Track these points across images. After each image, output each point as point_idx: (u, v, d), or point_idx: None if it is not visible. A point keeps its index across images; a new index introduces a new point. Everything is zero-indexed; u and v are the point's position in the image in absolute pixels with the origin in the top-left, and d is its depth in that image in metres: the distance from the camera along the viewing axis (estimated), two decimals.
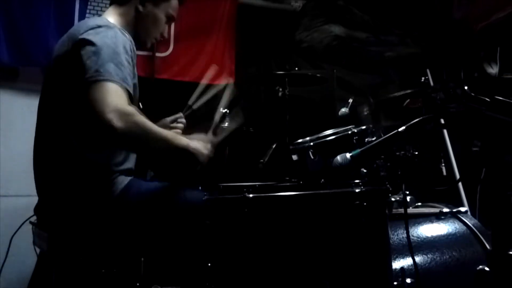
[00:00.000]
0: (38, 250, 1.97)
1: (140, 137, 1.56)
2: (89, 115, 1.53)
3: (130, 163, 1.79)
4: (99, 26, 1.65)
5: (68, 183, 1.66)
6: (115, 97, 1.51)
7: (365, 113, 2.02)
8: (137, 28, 1.84)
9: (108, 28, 1.66)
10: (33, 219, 1.84)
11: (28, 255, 2.21)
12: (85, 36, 1.61)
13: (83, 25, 1.68)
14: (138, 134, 1.55)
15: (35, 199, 1.77)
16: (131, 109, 1.54)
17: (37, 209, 1.76)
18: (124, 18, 1.82)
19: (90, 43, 1.59)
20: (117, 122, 1.47)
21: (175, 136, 1.72)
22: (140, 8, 1.83)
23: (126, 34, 1.70)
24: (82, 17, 3.04)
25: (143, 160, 2.07)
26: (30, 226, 1.87)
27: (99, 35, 1.61)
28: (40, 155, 1.75)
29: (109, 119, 1.47)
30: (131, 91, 1.61)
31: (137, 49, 1.81)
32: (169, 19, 1.92)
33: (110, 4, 1.88)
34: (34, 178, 1.76)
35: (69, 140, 1.66)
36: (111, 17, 1.81)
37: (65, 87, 1.66)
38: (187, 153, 1.70)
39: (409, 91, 1.63)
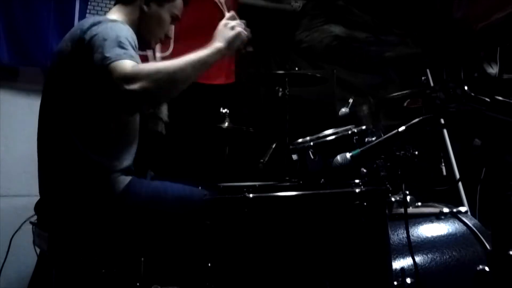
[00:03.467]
0: (38, 250, 1.97)
1: (164, 82, 1.53)
2: (111, 97, 1.56)
3: (129, 161, 1.79)
4: (100, 22, 1.66)
5: (69, 182, 1.66)
6: (121, 69, 1.50)
7: (365, 112, 2.02)
8: (142, 28, 1.83)
9: (109, 21, 1.67)
10: (33, 219, 1.84)
11: (28, 255, 2.21)
12: (88, 33, 1.62)
13: (85, 23, 1.69)
14: (158, 82, 1.52)
15: (35, 199, 1.77)
16: (135, 67, 1.51)
17: (38, 207, 1.76)
18: (128, 18, 1.82)
19: (93, 38, 1.59)
20: (130, 87, 1.47)
21: (198, 52, 1.65)
22: (145, 8, 1.83)
23: (127, 26, 1.71)
24: (82, 17, 3.04)
25: (143, 160, 2.07)
26: (30, 226, 1.87)
27: (101, 28, 1.62)
28: (43, 153, 1.75)
29: (123, 90, 1.47)
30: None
31: (141, 49, 1.81)
32: (174, 19, 1.92)
33: (115, 4, 1.88)
34: (38, 176, 1.76)
35: (72, 140, 1.66)
36: (115, 16, 1.81)
37: (69, 86, 1.66)
38: (228, 53, 1.72)
39: (409, 91, 1.63)
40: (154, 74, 1.52)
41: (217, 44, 1.71)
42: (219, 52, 1.69)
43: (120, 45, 1.56)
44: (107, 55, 1.53)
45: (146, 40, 1.87)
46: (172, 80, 1.56)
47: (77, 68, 1.63)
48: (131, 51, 1.58)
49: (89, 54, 1.58)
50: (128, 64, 1.51)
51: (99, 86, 1.59)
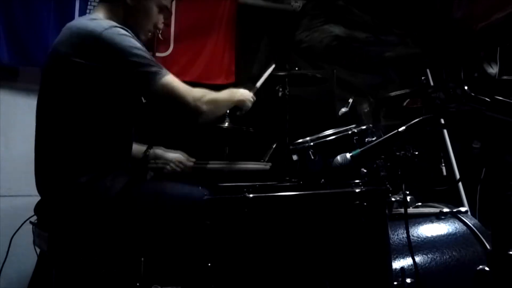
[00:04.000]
0: (38, 250, 1.97)
1: (218, 110, 1.90)
2: (170, 109, 1.80)
3: (128, 161, 1.79)
4: (110, 27, 1.66)
5: (68, 183, 1.66)
6: (182, 87, 1.73)
7: (365, 110, 2.02)
8: (129, 22, 1.81)
9: (114, 28, 1.68)
10: (33, 219, 1.84)
11: (28, 255, 2.21)
12: (102, 37, 1.64)
13: (96, 24, 1.68)
14: (216, 109, 1.87)
15: (35, 199, 1.76)
16: (201, 91, 1.79)
17: (37, 209, 1.76)
18: (114, 14, 1.81)
19: (112, 46, 1.64)
20: (202, 108, 1.74)
21: (231, 93, 2.01)
22: (128, 1, 1.82)
23: (129, 33, 1.71)
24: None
25: (143, 160, 2.07)
26: (30, 226, 1.87)
27: (116, 39, 1.66)
28: (40, 154, 1.75)
29: (196, 109, 1.73)
30: None
31: None
32: (162, 9, 1.91)
33: (99, 2, 1.87)
34: (34, 176, 1.76)
35: (70, 141, 1.66)
36: (102, 14, 1.80)
37: (68, 87, 1.66)
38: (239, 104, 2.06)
39: (408, 90, 1.63)
40: (214, 103, 1.84)
41: (240, 98, 2.04)
42: (240, 101, 2.04)
43: (146, 56, 1.70)
44: (152, 69, 1.68)
45: (135, 34, 1.87)
46: (221, 110, 1.95)
47: (82, 74, 1.63)
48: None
49: (107, 68, 1.64)
50: (182, 84, 1.75)
51: (120, 89, 1.69)
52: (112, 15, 1.80)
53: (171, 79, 1.71)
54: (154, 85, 1.67)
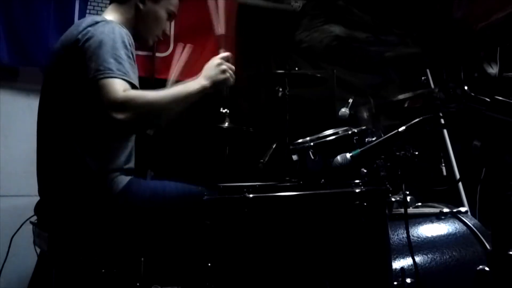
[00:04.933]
0: (38, 250, 1.97)
1: (150, 113, 1.62)
2: (98, 114, 1.57)
3: (131, 163, 1.79)
4: (97, 22, 1.66)
5: (68, 184, 1.66)
6: (112, 92, 1.53)
7: (365, 115, 2.02)
8: (138, 26, 1.83)
9: (105, 23, 1.66)
10: (33, 219, 1.84)
11: (28, 255, 2.21)
12: (83, 33, 1.62)
13: (81, 23, 1.69)
14: (145, 113, 1.59)
15: (35, 199, 1.77)
16: (126, 94, 1.54)
17: (37, 209, 1.76)
18: (124, 17, 1.81)
19: (89, 40, 1.59)
20: (118, 115, 1.51)
21: (185, 87, 1.72)
22: (141, 6, 1.82)
23: (124, 29, 1.70)
24: (82, 17, 3.03)
25: (143, 160, 2.07)
26: (30, 226, 1.87)
27: (97, 31, 1.61)
28: (42, 155, 1.75)
29: (112, 115, 1.51)
30: (136, 83, 1.61)
31: (139, 48, 1.81)
32: (170, 15, 1.92)
33: (110, 3, 1.88)
34: (36, 177, 1.76)
35: (69, 141, 1.66)
36: (111, 15, 1.81)
37: (65, 87, 1.66)
38: (210, 92, 1.74)
39: (410, 94, 1.63)
40: (144, 107, 1.58)
41: (204, 82, 1.74)
42: (203, 91, 1.73)
43: (115, 57, 1.56)
44: (101, 67, 1.54)
45: (143, 38, 1.87)
46: (158, 114, 1.67)
47: (72, 70, 1.63)
48: (126, 65, 1.58)
49: (83, 58, 1.58)
50: (119, 86, 1.53)
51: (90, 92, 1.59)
52: (122, 18, 1.80)
53: (110, 83, 1.52)
54: (92, 85, 1.55)
